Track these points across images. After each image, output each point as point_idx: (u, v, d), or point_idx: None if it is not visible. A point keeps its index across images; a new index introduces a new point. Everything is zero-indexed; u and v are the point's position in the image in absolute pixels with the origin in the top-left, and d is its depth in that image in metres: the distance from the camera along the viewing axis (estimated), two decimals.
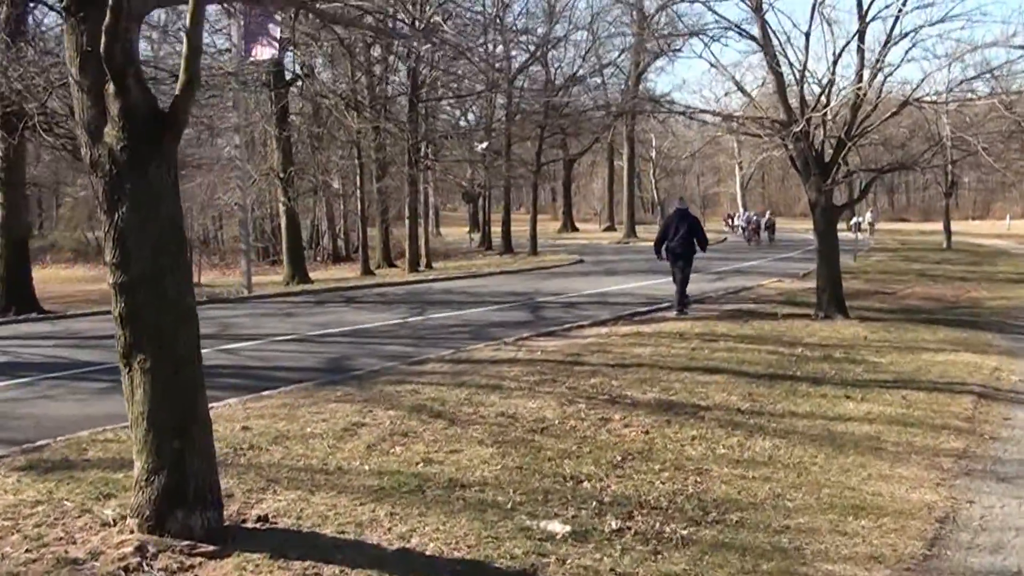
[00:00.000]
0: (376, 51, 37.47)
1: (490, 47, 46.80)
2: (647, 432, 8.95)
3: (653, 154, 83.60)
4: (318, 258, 47.50)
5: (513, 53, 47.49)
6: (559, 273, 32.27)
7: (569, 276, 30.64)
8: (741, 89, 18.37)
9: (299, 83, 36.27)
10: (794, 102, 17.46)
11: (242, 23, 25.27)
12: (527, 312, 20.21)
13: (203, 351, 6.01)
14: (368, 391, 10.59)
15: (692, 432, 9.00)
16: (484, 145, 42.18)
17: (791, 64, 17.29)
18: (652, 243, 19.08)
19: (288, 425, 8.87)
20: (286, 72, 34.75)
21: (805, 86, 17.34)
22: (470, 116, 50.88)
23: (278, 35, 26.30)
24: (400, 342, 15.47)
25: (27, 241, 24.48)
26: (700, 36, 21.60)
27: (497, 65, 45.93)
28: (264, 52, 26.02)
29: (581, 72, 58.82)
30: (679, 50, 53.08)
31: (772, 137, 17.81)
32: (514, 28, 48.33)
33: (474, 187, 51.03)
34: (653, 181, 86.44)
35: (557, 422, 9.22)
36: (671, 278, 18.64)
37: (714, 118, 19.81)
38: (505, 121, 46.72)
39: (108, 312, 15.92)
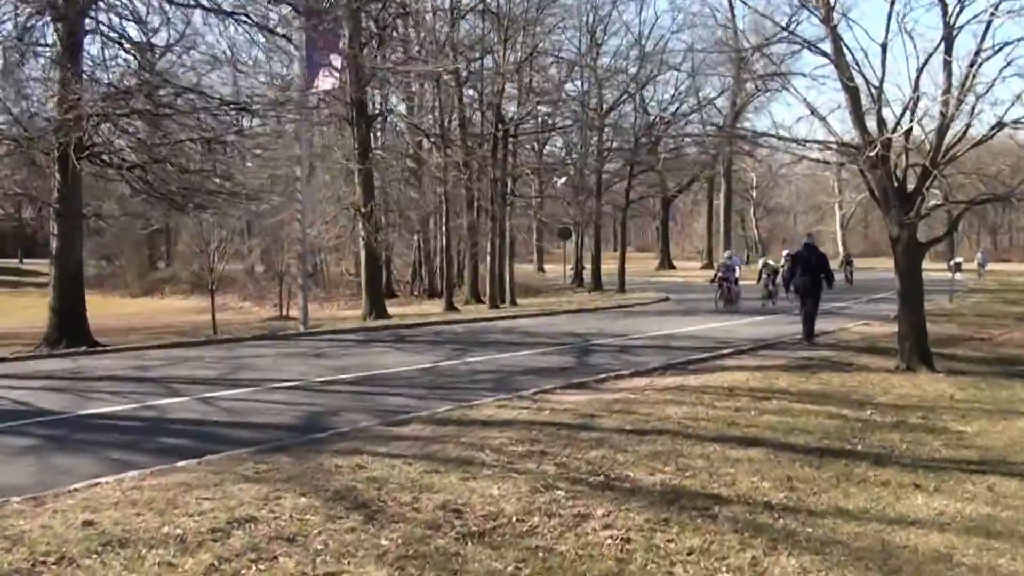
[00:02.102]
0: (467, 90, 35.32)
1: (584, 85, 44.39)
2: (628, 540, 6.20)
3: (753, 193, 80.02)
4: (414, 293, 45.53)
5: (604, 92, 44.74)
6: (636, 312, 29.41)
7: (645, 316, 27.79)
8: (813, 111, 15.40)
9: (382, 118, 34.25)
10: (872, 125, 14.42)
11: (304, 53, 23.20)
12: (573, 357, 17.49)
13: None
14: (302, 464, 8.05)
15: (692, 541, 6.24)
16: (563, 180, 39.51)
17: (867, 81, 14.27)
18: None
19: (151, 520, 6.35)
20: (369, 106, 32.64)
21: (883, 107, 14.29)
22: (552, 151, 48.06)
23: (339, 65, 24.15)
24: (409, 393, 12.93)
25: (81, 273, 22.69)
26: (788, 76, 18.94)
27: (590, 104, 43.52)
28: (325, 82, 23.94)
29: (680, 110, 56.09)
30: (775, 90, 50.04)
31: (846, 165, 14.78)
32: (607, 68, 45.70)
33: (576, 223, 47.86)
34: (754, 220, 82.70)
35: (514, 520, 6.57)
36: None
37: (779, 142, 16.79)
38: (596, 158, 44.09)
39: (150, 347, 13.16)
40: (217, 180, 22.70)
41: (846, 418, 10.41)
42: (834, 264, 30.89)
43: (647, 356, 16.90)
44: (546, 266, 72.20)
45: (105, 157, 21.39)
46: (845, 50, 14.39)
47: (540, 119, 42.39)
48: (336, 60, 23.77)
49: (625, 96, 46.40)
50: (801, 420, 10.22)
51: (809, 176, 77.15)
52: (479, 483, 7.48)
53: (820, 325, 19.68)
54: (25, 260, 71.69)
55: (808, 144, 16.89)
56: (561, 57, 43.09)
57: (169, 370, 15.25)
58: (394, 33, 33.61)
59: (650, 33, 53.62)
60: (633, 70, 46.03)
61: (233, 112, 22.59)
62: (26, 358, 17.60)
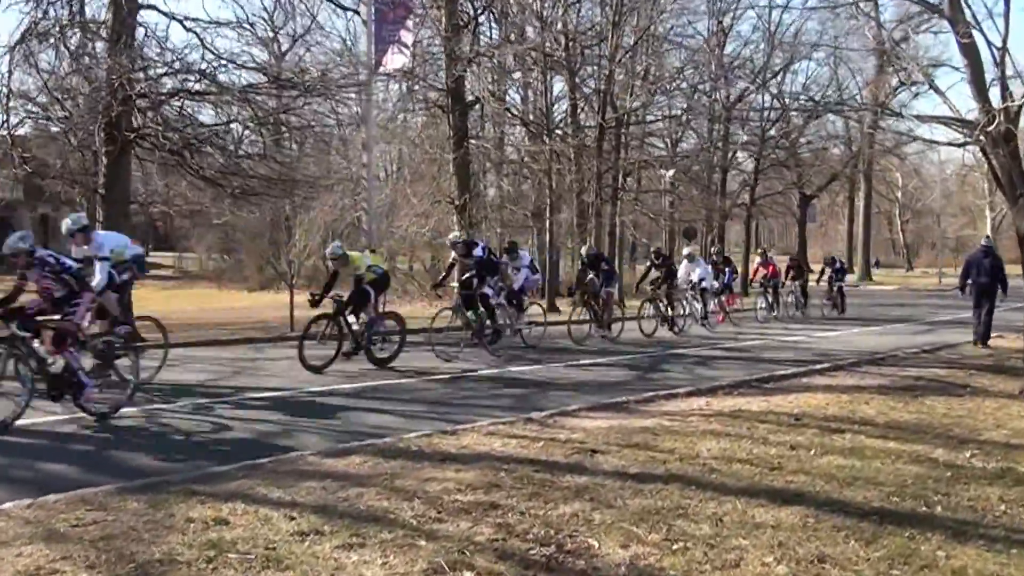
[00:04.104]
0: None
1: (707, 73, 41.34)
2: None
3: (899, 195, 75.25)
4: None
5: (731, 81, 41.63)
6: (742, 317, 26.52)
7: (751, 321, 24.89)
8: (932, 85, 12.63)
9: (479, 105, 32.15)
10: (995, 94, 11.58)
11: (372, 29, 21.30)
12: (639, 369, 14.99)
13: None
14: (143, 516, 5.92)
15: None
16: (670, 173, 36.64)
17: (989, 43, 11.42)
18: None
19: None
20: (467, 94, 30.58)
21: (1008, 76, 11.42)
22: (660, 145, 44.96)
23: (410, 42, 22.15)
24: (403, 410, 10.81)
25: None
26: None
27: (715, 94, 40.64)
28: (396, 61, 21.96)
29: (818, 101, 52.15)
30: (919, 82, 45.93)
31: (967, 146, 12.00)
32: (734, 56, 42.61)
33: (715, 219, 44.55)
34: (899, 222, 77.79)
35: None
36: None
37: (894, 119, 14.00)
38: (719, 151, 41.15)
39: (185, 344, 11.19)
40: (275, 166, 21.02)
41: (935, 462, 7.72)
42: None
43: (725, 370, 14.33)
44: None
45: (152, 140, 19.88)
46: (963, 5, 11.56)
47: (660, 109, 39.70)
48: (407, 37, 21.76)
49: (754, 86, 43.11)
50: (872, 465, 7.58)
51: (959, 176, 72.16)
52: (359, 555, 5.23)
53: (948, 336, 16.73)
54: (152, 253, 71.78)
55: (926, 121, 14.08)
56: (681, 43, 40.19)
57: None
58: (492, 15, 31.60)
59: (780, 18, 49.77)
60: (762, 58, 42.77)
61: (294, 92, 20.89)
62: None
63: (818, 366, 14.36)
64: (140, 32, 20.02)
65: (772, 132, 43.51)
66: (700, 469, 7.34)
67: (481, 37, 31.05)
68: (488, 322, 16.36)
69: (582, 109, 33.60)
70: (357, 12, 21.52)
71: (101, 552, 5.19)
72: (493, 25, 33.40)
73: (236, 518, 5.86)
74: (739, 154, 44.86)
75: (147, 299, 16.80)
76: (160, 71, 20.09)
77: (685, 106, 39.98)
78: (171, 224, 61.73)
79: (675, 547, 5.50)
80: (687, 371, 14.50)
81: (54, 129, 21.06)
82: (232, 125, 20.47)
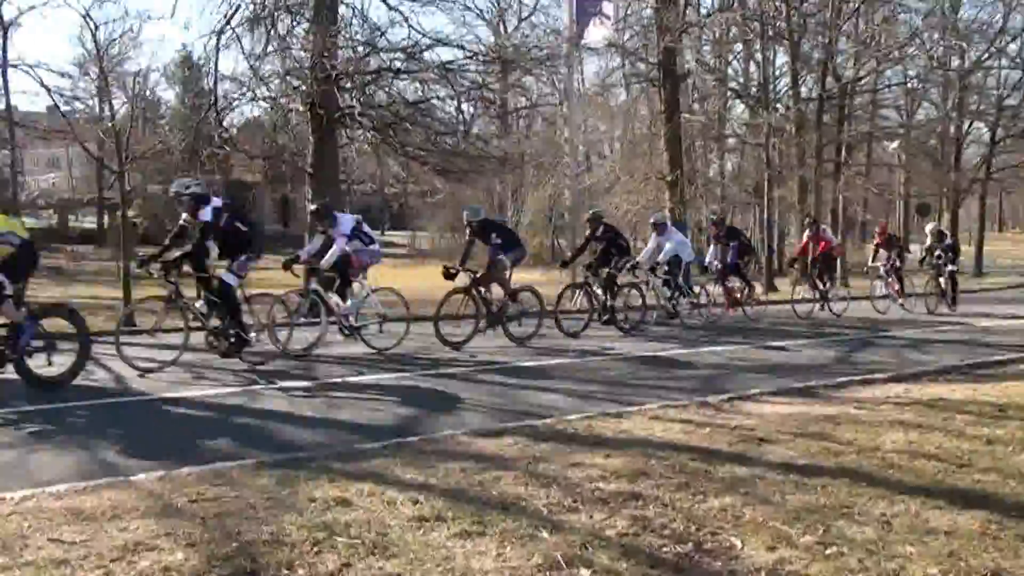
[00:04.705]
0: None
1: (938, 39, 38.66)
2: None
3: None
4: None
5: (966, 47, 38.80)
6: (975, 299, 24.63)
7: (982, 303, 23.15)
8: None
9: (690, 78, 31.20)
10: None
11: (573, 1, 20.87)
12: (841, 351, 14.06)
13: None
14: (267, 493, 5.74)
15: None
16: (894, 145, 34.43)
17: None
18: None
19: None
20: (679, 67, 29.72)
21: None
22: (890, 116, 42.28)
23: (611, 14, 21.56)
24: (575, 389, 10.40)
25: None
26: None
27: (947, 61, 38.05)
28: (597, 32, 21.44)
29: None
30: None
31: None
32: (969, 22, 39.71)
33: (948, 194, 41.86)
34: None
35: None
36: None
37: None
38: (952, 121, 38.49)
39: None
40: (479, 144, 21.00)
41: None
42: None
43: (938, 354, 13.21)
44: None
45: (358, 118, 20.19)
46: None
47: (888, 78, 37.45)
48: (608, 8, 21.19)
49: (991, 51, 40.03)
50: None
51: None
52: (473, 545, 4.85)
53: None
54: (388, 232, 73.44)
55: None
56: (911, 8, 37.71)
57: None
58: None
59: None
60: (999, 20, 39.64)
61: (496, 68, 20.76)
62: None
63: None
64: (342, 11, 20.30)
65: (1011, 101, 40.32)
66: (877, 464, 6.57)
67: (698, 7, 30.01)
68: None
69: (802, 80, 32.11)
70: None
71: (207, 530, 5.01)
72: None
73: (360, 499, 5.59)
74: (976, 124, 41.83)
75: (381, 276, 17.11)
76: (362, 50, 20.35)
77: (914, 74, 37.60)
78: (406, 203, 63.29)
79: (828, 552, 4.84)
80: (895, 355, 13.44)
81: (260, 111, 21.69)
82: (434, 102, 20.46)
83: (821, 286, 19.58)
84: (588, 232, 16.70)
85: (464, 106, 21.53)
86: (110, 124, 17.80)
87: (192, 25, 52.68)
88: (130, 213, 37.85)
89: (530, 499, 5.64)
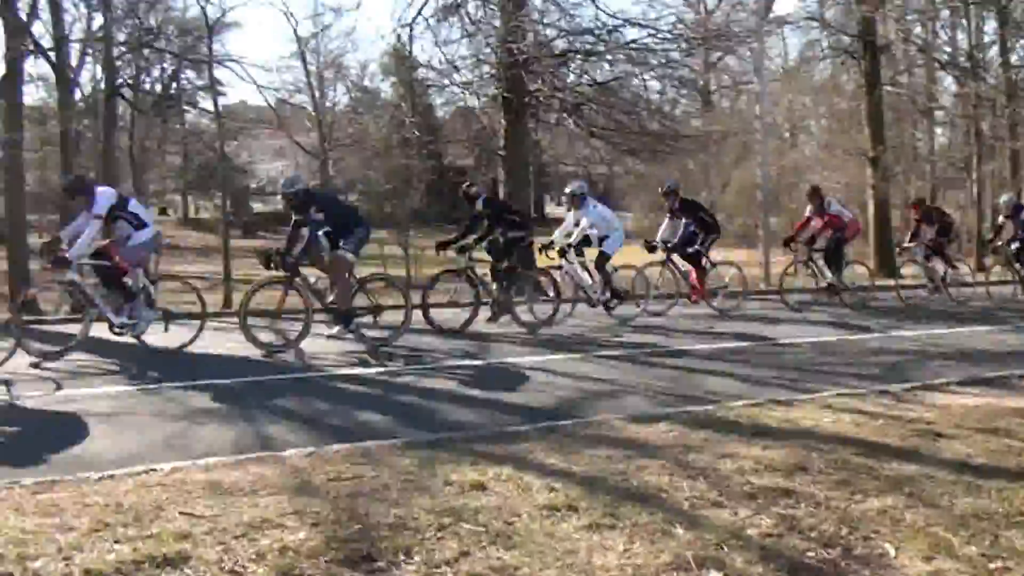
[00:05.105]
0: None
1: None
2: None
3: None
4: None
5: None
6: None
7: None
8: None
9: (892, 49, 29.59)
10: None
11: None
12: None
13: None
14: (405, 474, 5.67)
15: None
16: None
17: None
18: None
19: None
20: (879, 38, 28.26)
21: None
22: None
23: None
24: (751, 375, 9.90)
25: (530, 222, 21.77)
26: None
27: None
28: (787, 3, 20.58)
29: None
30: None
31: None
32: None
33: None
34: None
35: None
36: None
37: None
38: None
39: None
40: (667, 123, 20.56)
41: None
42: None
43: None
44: None
45: (546, 100, 20.10)
46: None
47: None
48: None
49: None
50: None
51: None
52: (600, 538, 4.60)
53: None
54: None
55: None
56: None
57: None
58: None
59: None
60: None
61: (686, 46, 20.23)
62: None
63: None
64: None
65: None
66: None
67: None
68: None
69: (1012, 47, 29.93)
70: None
71: (336, 510, 4.95)
72: None
73: (496, 484, 5.42)
74: None
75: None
76: (551, 33, 20.24)
77: None
78: (611, 184, 63.06)
79: (992, 566, 4.33)
80: None
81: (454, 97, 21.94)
82: (622, 82, 20.15)
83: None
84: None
85: (653, 84, 21.05)
86: (312, 113, 18.37)
87: (387, 15, 53.82)
88: (351, 197, 39.26)
89: (672, 491, 5.33)
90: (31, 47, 18.54)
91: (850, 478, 5.57)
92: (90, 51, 25.14)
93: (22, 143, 16.33)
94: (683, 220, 15.27)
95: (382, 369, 10.31)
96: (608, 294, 14.15)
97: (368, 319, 12.15)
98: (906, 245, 17.50)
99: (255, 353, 11.23)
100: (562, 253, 14.08)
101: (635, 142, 21.06)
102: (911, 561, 4.37)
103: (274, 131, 40.87)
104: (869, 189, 28.38)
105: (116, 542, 4.47)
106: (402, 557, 4.33)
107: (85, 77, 30.11)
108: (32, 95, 31.18)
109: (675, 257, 15.04)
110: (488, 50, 20.42)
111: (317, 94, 26.46)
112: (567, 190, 14.77)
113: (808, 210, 16.43)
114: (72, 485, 5.51)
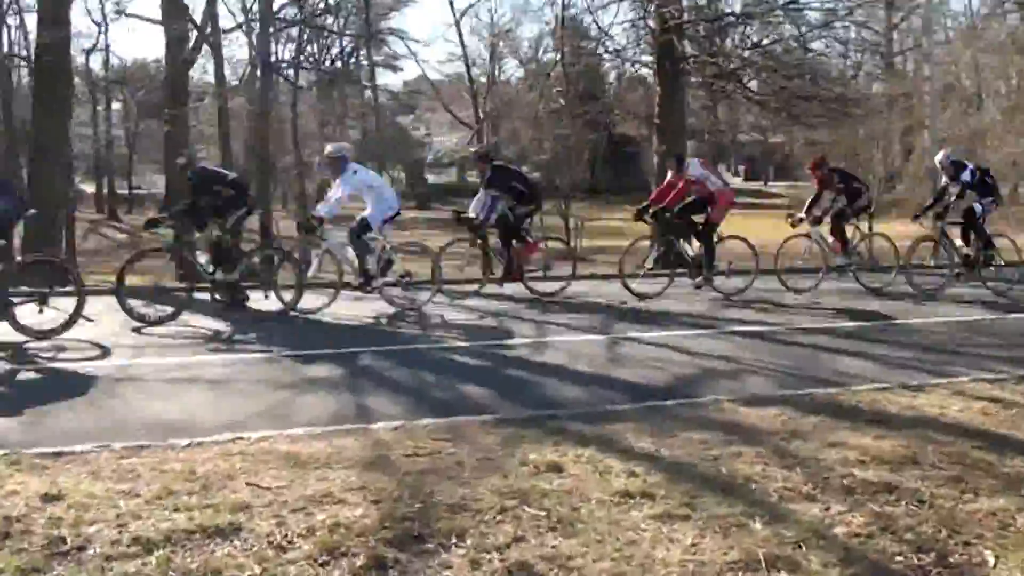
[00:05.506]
0: None
1: None
2: None
3: None
4: None
5: None
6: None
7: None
8: None
9: None
10: None
11: None
12: None
13: None
14: (483, 453, 5.47)
15: None
16: None
17: None
18: None
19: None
20: None
21: None
22: None
23: None
24: (889, 357, 9.30)
25: None
26: None
27: None
28: None
29: None
30: None
31: None
32: None
33: None
34: None
35: None
36: None
37: None
38: None
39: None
40: (828, 85, 19.66)
41: None
42: None
43: None
44: None
45: (700, 65, 19.50)
46: None
47: None
48: None
49: None
50: None
51: None
52: (669, 529, 4.30)
53: None
54: (771, 183, 70.50)
55: None
56: None
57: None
58: None
59: None
60: None
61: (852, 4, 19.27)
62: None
63: None
64: None
65: None
66: None
67: None
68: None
69: None
70: None
71: (402, 487, 4.80)
72: None
73: (574, 466, 5.16)
74: None
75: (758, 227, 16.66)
76: None
77: None
78: (792, 153, 61.32)
79: None
80: None
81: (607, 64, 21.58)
82: (778, 46, 19.33)
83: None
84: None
85: (817, 46, 20.13)
86: (469, 84, 18.41)
87: None
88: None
89: (762, 481, 4.95)
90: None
91: (964, 474, 5.06)
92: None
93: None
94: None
95: (497, 342, 10.14)
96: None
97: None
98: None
99: (378, 321, 11.30)
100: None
101: (799, 108, 20.22)
102: (1011, 573, 3.90)
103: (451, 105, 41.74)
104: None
105: (176, 510, 4.44)
106: (454, 540, 4.14)
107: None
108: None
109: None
110: (642, 15, 19.90)
111: (473, 66, 26.51)
112: (324, 151, 13.20)
113: (669, 174, 13.73)
114: (159, 451, 5.53)
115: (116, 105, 51.63)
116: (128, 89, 48.44)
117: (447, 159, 55.31)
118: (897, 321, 11.63)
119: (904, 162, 36.52)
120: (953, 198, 13.65)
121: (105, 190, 47.97)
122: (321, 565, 3.89)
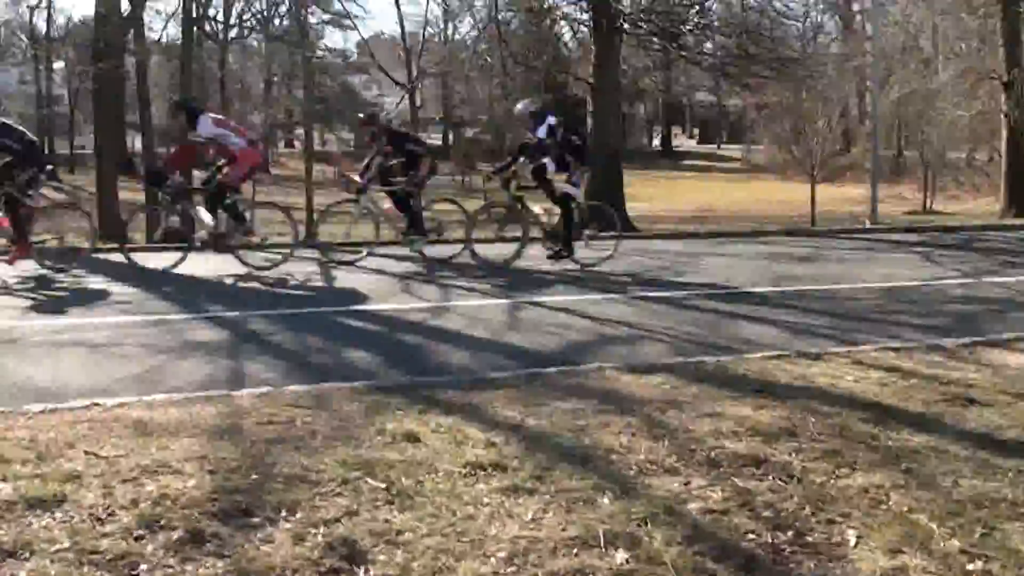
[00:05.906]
0: None
1: None
2: None
3: None
4: None
5: None
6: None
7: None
8: None
9: None
10: None
11: None
12: None
13: None
14: (339, 419, 5.20)
15: None
16: None
17: None
18: None
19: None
20: None
21: None
22: None
23: None
24: (799, 323, 9.15)
25: (619, 151, 20.91)
26: None
27: None
28: None
29: None
30: None
31: None
32: None
33: None
34: None
35: None
36: None
37: None
38: None
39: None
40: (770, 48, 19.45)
41: None
42: None
43: None
44: None
45: (641, 24, 19.20)
46: None
47: None
48: None
49: None
50: None
51: None
52: (512, 503, 4.05)
53: None
54: (724, 145, 70.30)
55: None
56: None
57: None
58: None
59: None
60: None
61: None
62: None
63: None
64: None
65: None
66: None
67: None
68: None
69: None
70: None
71: (245, 457, 4.53)
72: None
73: (432, 436, 4.91)
74: None
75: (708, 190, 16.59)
76: None
77: None
78: (745, 116, 61.32)
79: (970, 567, 3.59)
80: None
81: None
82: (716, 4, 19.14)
83: None
84: None
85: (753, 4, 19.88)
86: (400, 42, 18.01)
87: None
88: (476, 131, 39.10)
89: (625, 453, 4.72)
90: None
91: (843, 448, 4.85)
92: None
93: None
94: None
95: (395, 306, 9.88)
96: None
97: None
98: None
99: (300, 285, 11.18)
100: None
101: (737, 69, 20.03)
102: (872, 553, 3.68)
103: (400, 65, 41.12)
104: (1001, 117, 26.46)
105: (3, 479, 4.16)
106: (283, 513, 3.89)
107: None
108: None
109: None
110: None
111: (428, 26, 25.98)
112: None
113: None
114: (9, 417, 5.25)
115: (59, 64, 50.61)
116: (79, 46, 47.49)
117: (398, 120, 54.87)
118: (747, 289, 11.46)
119: (860, 124, 36.52)
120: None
121: (46, 150, 47.01)
122: (136, 539, 3.62)
